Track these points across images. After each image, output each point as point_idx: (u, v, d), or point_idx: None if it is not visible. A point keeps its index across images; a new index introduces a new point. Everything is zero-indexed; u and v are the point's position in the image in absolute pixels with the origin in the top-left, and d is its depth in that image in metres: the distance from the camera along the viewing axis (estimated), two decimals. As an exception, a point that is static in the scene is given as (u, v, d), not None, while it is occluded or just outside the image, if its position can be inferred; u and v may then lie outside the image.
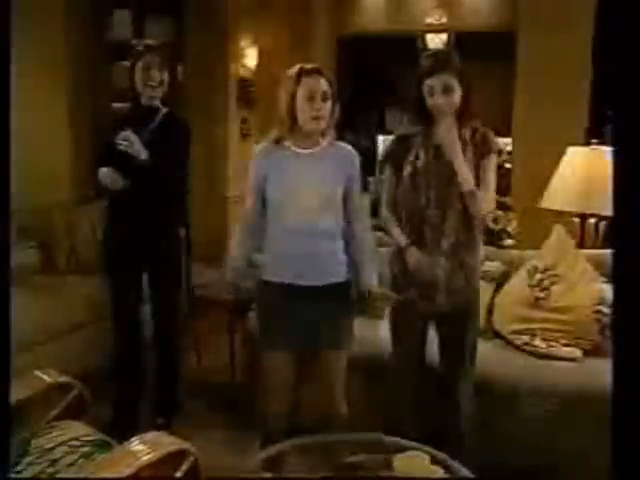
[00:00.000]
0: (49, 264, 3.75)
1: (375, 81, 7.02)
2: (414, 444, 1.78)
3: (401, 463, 1.61)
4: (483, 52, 5.35)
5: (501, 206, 3.22)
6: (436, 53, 2.17)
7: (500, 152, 2.42)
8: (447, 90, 2.09)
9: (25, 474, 1.66)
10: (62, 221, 3.82)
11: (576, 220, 3.24)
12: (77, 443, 1.79)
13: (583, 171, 3.01)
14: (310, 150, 2.06)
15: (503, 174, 4.13)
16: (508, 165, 4.47)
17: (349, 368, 2.19)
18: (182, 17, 4.41)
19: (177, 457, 1.62)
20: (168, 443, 1.62)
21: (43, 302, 3.28)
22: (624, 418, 1.14)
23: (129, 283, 2.70)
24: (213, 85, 4.47)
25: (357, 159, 2.14)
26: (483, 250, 2.92)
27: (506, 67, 4.71)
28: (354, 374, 2.26)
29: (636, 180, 1.19)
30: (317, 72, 1.99)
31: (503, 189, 3.87)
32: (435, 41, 5.55)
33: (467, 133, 2.18)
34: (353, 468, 1.64)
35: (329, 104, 2.00)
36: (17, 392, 1.95)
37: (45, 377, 2.02)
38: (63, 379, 2.02)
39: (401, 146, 2.24)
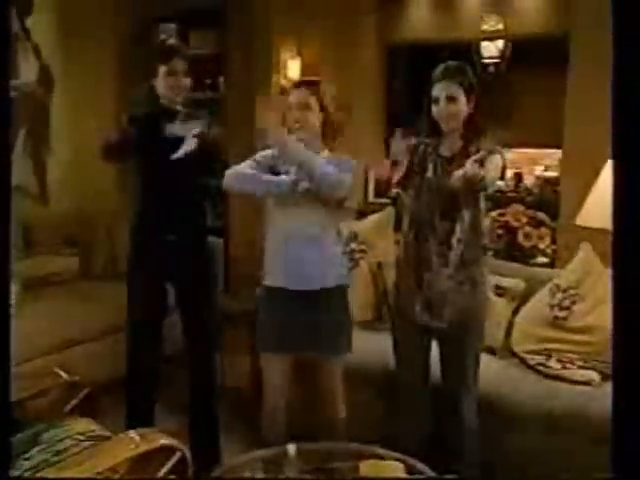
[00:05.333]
0: (89, 271, 4.12)
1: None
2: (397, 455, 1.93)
3: (367, 469, 1.78)
4: (539, 57, 5.40)
5: (532, 221, 3.28)
6: (448, 64, 2.33)
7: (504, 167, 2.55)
8: (450, 99, 2.25)
9: (32, 462, 1.94)
10: (104, 230, 4.19)
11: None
12: (81, 437, 2.07)
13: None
14: None
15: (541, 186, 4.18)
16: (547, 174, 4.44)
17: (352, 379, 2.37)
18: (225, 30, 4.71)
19: (167, 452, 1.86)
20: (158, 438, 1.87)
21: (79, 307, 3.64)
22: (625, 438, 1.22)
23: (150, 294, 2.74)
24: (254, 97, 4.73)
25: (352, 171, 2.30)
26: (508, 266, 3.05)
27: (560, 73, 4.68)
28: (356, 386, 2.43)
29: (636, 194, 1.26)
30: (305, 84, 2.30)
31: (538, 203, 3.91)
32: (490, 49, 5.63)
33: (473, 149, 2.31)
34: (327, 472, 1.84)
35: (310, 114, 2.24)
36: (35, 386, 2.28)
37: (63, 374, 2.32)
38: (77, 378, 2.32)
39: (410, 156, 2.38)
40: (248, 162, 2.33)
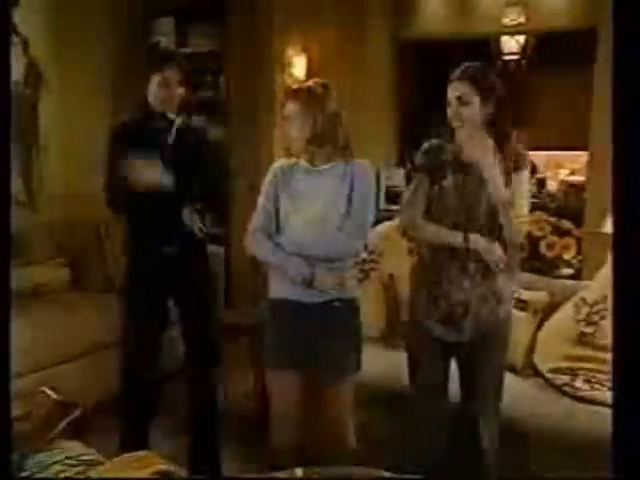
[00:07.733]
0: (78, 282, 4.12)
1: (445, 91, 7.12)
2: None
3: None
4: (563, 54, 5.40)
5: (556, 230, 3.26)
6: (465, 65, 2.33)
7: (534, 169, 2.54)
8: (461, 100, 2.25)
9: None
10: (95, 240, 4.18)
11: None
12: (72, 462, 2.06)
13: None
14: (320, 167, 2.30)
15: (565, 191, 4.16)
16: (573, 178, 4.43)
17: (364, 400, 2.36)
18: (226, 26, 4.73)
19: (163, 477, 1.86)
20: (156, 462, 1.87)
21: (70, 320, 3.62)
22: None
23: (150, 309, 2.76)
24: (258, 96, 4.75)
25: (369, 178, 2.32)
26: (530, 279, 3.03)
27: (586, 70, 4.67)
28: (366, 405, 2.42)
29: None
30: (294, 94, 2.29)
31: (563, 210, 3.89)
32: (510, 44, 5.63)
33: (497, 155, 2.31)
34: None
35: (295, 125, 2.24)
36: (23, 406, 2.27)
37: (51, 394, 2.32)
38: (67, 398, 2.32)
39: (431, 159, 2.38)
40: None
